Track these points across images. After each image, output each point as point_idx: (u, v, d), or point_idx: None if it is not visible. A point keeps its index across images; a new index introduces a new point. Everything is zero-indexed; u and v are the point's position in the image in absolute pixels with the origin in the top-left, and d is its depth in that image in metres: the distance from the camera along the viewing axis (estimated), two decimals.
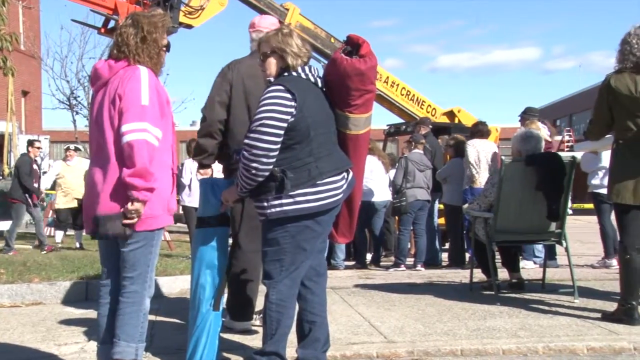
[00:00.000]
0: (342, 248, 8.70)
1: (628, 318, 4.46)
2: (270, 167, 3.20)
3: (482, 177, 7.65)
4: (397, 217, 9.29)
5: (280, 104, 3.20)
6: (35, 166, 10.67)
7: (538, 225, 5.58)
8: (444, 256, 9.21)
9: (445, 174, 8.70)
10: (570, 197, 5.83)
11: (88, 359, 3.88)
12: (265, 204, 3.28)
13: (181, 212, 9.47)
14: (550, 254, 7.62)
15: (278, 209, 3.25)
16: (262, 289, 3.54)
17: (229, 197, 3.51)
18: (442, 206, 9.21)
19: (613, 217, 7.57)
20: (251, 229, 4.15)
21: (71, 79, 20.43)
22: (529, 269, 7.49)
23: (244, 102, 4.28)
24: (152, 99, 3.15)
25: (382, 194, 8.94)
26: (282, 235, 3.29)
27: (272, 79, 3.41)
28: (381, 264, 9.10)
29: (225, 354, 3.85)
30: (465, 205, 6.54)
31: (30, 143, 10.98)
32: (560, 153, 6.44)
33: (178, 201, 8.67)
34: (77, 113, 20.44)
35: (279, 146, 3.20)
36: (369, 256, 9.33)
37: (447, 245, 9.53)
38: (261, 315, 3.72)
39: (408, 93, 12.45)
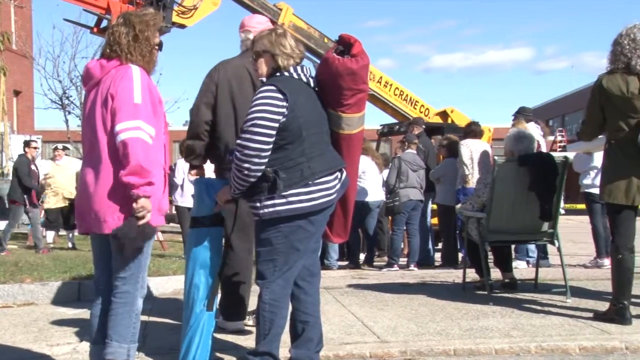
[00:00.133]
0: (335, 248, 8.70)
1: (620, 318, 4.48)
2: (263, 167, 3.20)
3: (475, 178, 7.67)
4: (390, 217, 9.30)
5: (271, 104, 3.20)
6: (33, 166, 10.63)
7: (530, 225, 5.60)
8: (437, 256, 9.23)
9: (439, 174, 8.71)
10: (562, 197, 5.85)
11: None
12: (258, 204, 3.28)
13: (174, 212, 9.45)
14: (543, 254, 7.65)
15: (271, 209, 3.25)
16: (255, 288, 3.53)
17: (222, 198, 3.51)
18: (435, 206, 9.23)
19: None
20: (242, 228, 4.16)
21: (63, 78, 20.38)
22: (521, 268, 7.51)
23: (229, 103, 4.29)
24: (144, 98, 3.15)
25: (375, 194, 8.96)
26: (275, 236, 3.28)
27: (264, 79, 3.41)
28: (374, 264, 9.11)
29: (218, 354, 3.85)
30: (459, 205, 6.55)
31: (27, 143, 10.93)
32: (552, 153, 6.45)
33: (171, 201, 8.66)
34: (69, 113, 20.39)
35: (270, 146, 3.20)
36: (362, 256, 9.34)
37: (440, 245, 9.55)
38: (254, 316, 3.72)
39: (401, 93, 12.47)
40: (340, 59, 3.33)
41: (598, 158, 7.29)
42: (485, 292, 5.58)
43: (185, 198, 9.01)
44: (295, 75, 3.36)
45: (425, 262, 8.72)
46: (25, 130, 23.19)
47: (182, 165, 8.81)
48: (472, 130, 8.28)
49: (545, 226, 5.62)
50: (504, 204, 5.48)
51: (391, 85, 12.37)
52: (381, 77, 12.26)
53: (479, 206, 5.77)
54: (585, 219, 8.52)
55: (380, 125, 12.78)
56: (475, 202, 5.84)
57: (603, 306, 4.85)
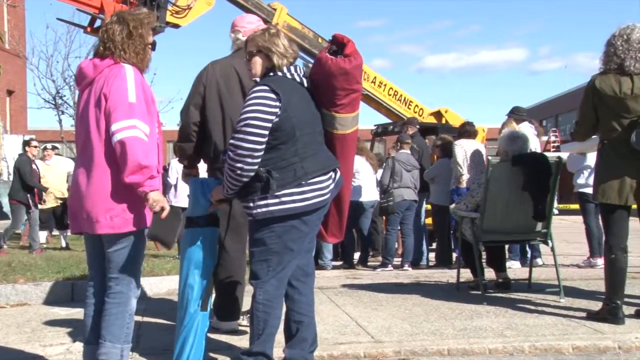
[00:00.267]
0: (329, 248, 8.70)
1: (613, 317, 4.50)
2: (255, 167, 3.20)
3: (466, 177, 7.70)
4: (384, 217, 9.30)
5: (264, 104, 3.19)
6: (34, 166, 10.59)
7: (524, 225, 5.61)
8: (431, 256, 9.24)
9: (433, 174, 8.72)
10: (556, 197, 5.87)
11: None
12: (252, 204, 3.28)
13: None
14: (537, 253, 7.68)
15: (264, 209, 3.25)
16: (249, 289, 3.53)
17: (215, 197, 3.50)
18: (429, 206, 9.24)
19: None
20: (235, 228, 4.16)
21: (57, 78, 20.27)
22: (515, 268, 7.52)
23: (217, 103, 4.30)
24: (139, 97, 3.16)
25: (369, 194, 8.96)
26: (269, 236, 3.28)
27: (257, 79, 3.40)
28: (369, 264, 9.11)
29: (212, 354, 3.84)
30: (453, 205, 6.56)
31: (27, 143, 10.88)
32: (546, 153, 6.47)
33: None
34: (62, 112, 20.28)
35: (263, 146, 3.20)
36: (356, 256, 9.34)
37: (434, 245, 9.56)
38: (248, 316, 3.72)
39: (395, 93, 12.47)
40: (333, 58, 3.33)
41: (591, 157, 7.33)
42: (479, 292, 5.59)
43: (179, 198, 9.00)
44: (288, 75, 3.36)
45: (417, 262, 8.73)
46: (19, 130, 23.12)
47: (176, 165, 8.80)
48: (467, 131, 8.29)
49: (539, 226, 5.63)
50: (497, 204, 5.49)
51: (385, 85, 12.37)
52: (375, 77, 12.25)
53: (473, 206, 5.79)
54: (579, 219, 8.55)
55: (375, 125, 12.78)
56: (469, 202, 5.85)
57: (596, 306, 4.87)
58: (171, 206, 3.27)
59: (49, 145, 11.97)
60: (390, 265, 8.56)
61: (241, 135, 3.17)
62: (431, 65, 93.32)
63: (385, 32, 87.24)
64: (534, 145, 7.32)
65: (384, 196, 8.70)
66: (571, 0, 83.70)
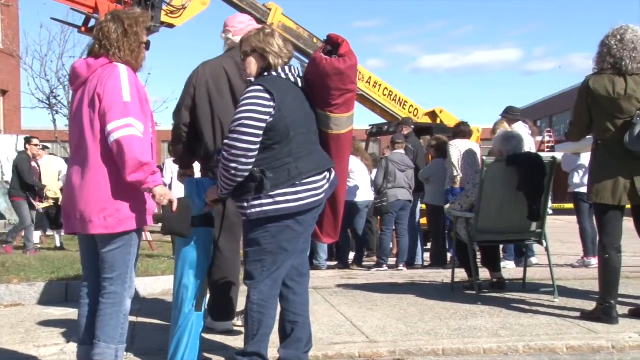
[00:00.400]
0: (324, 248, 8.70)
1: (606, 317, 4.51)
2: (250, 167, 3.20)
3: (459, 177, 7.72)
4: (379, 217, 9.31)
5: (259, 104, 3.19)
6: (34, 163, 10.54)
7: (519, 225, 5.63)
8: (426, 256, 9.25)
9: (428, 174, 8.73)
10: (550, 197, 5.89)
11: None
12: (246, 204, 3.27)
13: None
14: (531, 252, 7.70)
15: (258, 209, 3.24)
16: (244, 289, 3.53)
17: (209, 197, 3.50)
18: (424, 206, 9.25)
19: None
20: (228, 228, 4.16)
21: (51, 78, 20.18)
22: (509, 268, 7.54)
23: (207, 103, 4.32)
24: (133, 96, 3.15)
25: (363, 194, 8.96)
26: (263, 236, 3.28)
27: (252, 79, 3.40)
28: (363, 264, 9.12)
29: (206, 355, 3.84)
30: (447, 205, 6.57)
31: (28, 140, 10.84)
32: (540, 153, 6.49)
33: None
34: (57, 112, 20.21)
35: (258, 146, 3.19)
36: (351, 256, 9.34)
37: (429, 245, 9.57)
38: (243, 316, 3.71)
39: (390, 93, 12.49)
40: (327, 58, 3.33)
41: (585, 157, 7.35)
42: (474, 292, 5.60)
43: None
44: (283, 75, 3.36)
45: (411, 262, 8.74)
46: (12, 130, 23.00)
47: (170, 165, 8.79)
48: (462, 131, 8.31)
49: (534, 226, 5.65)
50: (492, 204, 5.50)
51: (380, 85, 12.38)
52: (370, 77, 12.27)
53: (468, 206, 5.79)
54: (573, 219, 8.58)
55: (370, 126, 12.79)
56: (464, 202, 5.86)
57: (590, 305, 4.88)
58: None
59: (39, 145, 11.92)
60: (385, 265, 8.57)
61: (235, 135, 3.17)
62: (426, 65, 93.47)
63: (380, 32, 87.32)
64: (529, 145, 7.35)
65: (377, 196, 8.71)
66: (565, 1, 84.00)
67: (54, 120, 20.41)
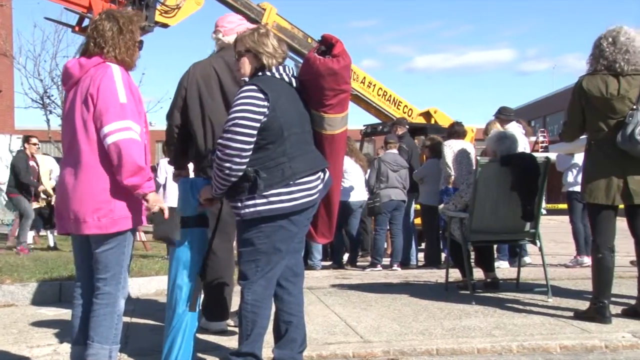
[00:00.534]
0: (319, 248, 8.70)
1: (600, 316, 4.53)
2: (244, 167, 3.20)
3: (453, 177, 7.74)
4: (373, 217, 9.32)
5: (253, 103, 3.19)
6: (32, 162, 10.49)
7: (513, 225, 5.64)
8: (420, 256, 9.26)
9: (422, 175, 8.74)
10: (544, 198, 5.90)
11: None
12: (240, 204, 3.27)
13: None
14: (524, 252, 7.73)
15: (252, 209, 3.24)
16: (238, 289, 3.52)
17: (203, 196, 3.50)
18: (418, 206, 9.26)
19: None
20: (221, 227, 4.15)
21: (44, 77, 20.07)
22: (503, 268, 7.56)
23: (198, 103, 4.33)
24: (128, 97, 3.15)
25: (357, 194, 8.95)
26: (257, 236, 3.28)
27: (246, 79, 3.40)
28: (358, 264, 9.12)
29: (200, 355, 3.83)
30: (441, 206, 6.58)
31: (26, 139, 10.80)
32: (534, 153, 6.51)
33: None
34: (50, 112, 20.12)
35: (252, 146, 3.19)
36: (345, 256, 9.34)
37: (423, 245, 9.58)
38: (237, 316, 3.71)
39: (385, 93, 12.49)
40: (321, 59, 3.33)
41: (579, 156, 7.38)
42: (468, 292, 5.61)
43: (168, 198, 8.96)
44: (277, 75, 3.36)
45: (405, 262, 8.74)
46: (6, 129, 22.91)
47: (165, 165, 8.76)
48: (456, 131, 8.32)
49: (527, 226, 5.66)
50: (486, 204, 5.51)
51: (374, 85, 12.38)
52: (364, 78, 12.27)
53: (462, 206, 5.80)
54: (567, 219, 8.60)
55: (364, 126, 12.80)
56: (458, 202, 5.87)
57: (583, 305, 4.90)
58: (169, 207, 3.30)
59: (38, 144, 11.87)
60: (379, 265, 8.57)
61: (229, 135, 3.17)
62: (420, 65, 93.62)
63: (374, 32, 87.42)
64: (523, 145, 7.36)
65: (370, 197, 8.71)
66: (559, 2, 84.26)
67: (48, 120, 20.34)
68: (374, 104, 12.42)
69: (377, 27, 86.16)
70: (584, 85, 4.57)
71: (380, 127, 12.02)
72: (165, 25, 10.34)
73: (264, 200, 3.23)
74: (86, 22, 9.74)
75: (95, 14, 8.83)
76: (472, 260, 6.00)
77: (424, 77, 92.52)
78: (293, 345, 3.46)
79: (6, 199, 10.72)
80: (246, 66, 3.40)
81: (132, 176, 3.06)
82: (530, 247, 7.60)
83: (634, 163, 4.46)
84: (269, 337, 3.48)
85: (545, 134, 31.62)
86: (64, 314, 5.02)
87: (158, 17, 10.03)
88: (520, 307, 5.17)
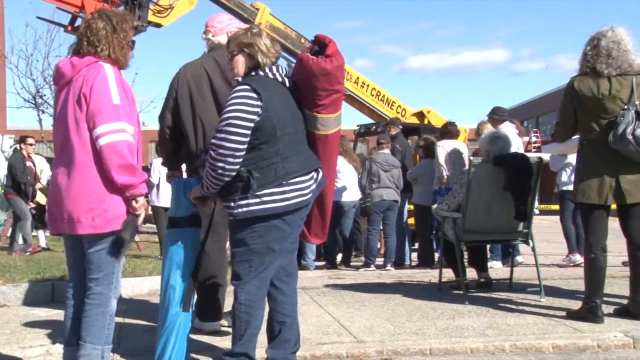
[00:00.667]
0: (312, 248, 8.70)
1: (592, 316, 4.54)
2: (237, 167, 3.19)
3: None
4: (366, 218, 9.32)
5: (246, 103, 3.19)
6: (29, 163, 10.45)
7: (506, 225, 5.65)
8: (414, 256, 9.27)
9: (415, 175, 8.75)
10: (537, 198, 5.92)
11: None
12: (232, 204, 3.27)
13: (150, 212, 9.36)
14: (517, 251, 7.75)
15: (245, 209, 3.24)
16: (232, 289, 3.52)
17: (193, 194, 3.49)
18: (412, 206, 9.27)
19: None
20: (213, 227, 4.15)
21: (37, 77, 20.00)
22: (496, 268, 7.58)
23: (188, 104, 4.32)
24: (121, 97, 3.14)
25: (350, 195, 8.95)
26: (251, 236, 3.27)
27: (239, 78, 3.39)
28: (351, 264, 9.12)
29: (194, 355, 3.82)
30: (435, 206, 6.59)
31: (23, 140, 10.75)
32: (527, 154, 6.53)
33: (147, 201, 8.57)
34: (43, 112, 20.06)
35: (245, 146, 3.19)
36: (339, 256, 9.34)
37: (416, 245, 9.59)
38: (230, 316, 3.70)
39: (378, 93, 12.50)
40: (314, 59, 3.32)
41: (572, 155, 7.40)
42: (461, 292, 5.62)
43: (162, 198, 8.96)
44: (270, 75, 3.36)
45: (399, 262, 8.75)
46: None
47: (158, 165, 8.75)
48: (449, 131, 8.34)
49: (520, 226, 5.68)
50: (479, 204, 5.52)
51: (368, 85, 12.39)
52: (358, 78, 12.27)
53: (455, 206, 5.81)
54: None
55: (357, 126, 12.80)
56: (451, 202, 5.88)
57: (576, 305, 4.91)
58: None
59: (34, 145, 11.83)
60: (372, 265, 8.58)
61: (223, 135, 3.16)
62: (414, 65, 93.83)
63: (368, 32, 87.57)
64: (517, 145, 7.38)
65: (362, 197, 8.72)
66: (552, 2, 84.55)
67: (40, 120, 20.27)
68: (368, 104, 12.42)
69: (370, 27, 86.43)
70: (576, 86, 4.59)
71: (374, 127, 12.03)
72: (158, 25, 10.31)
73: (257, 200, 3.22)
74: (79, 21, 9.69)
75: (88, 13, 8.80)
76: (465, 260, 6.02)
77: (417, 77, 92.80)
78: (286, 346, 3.46)
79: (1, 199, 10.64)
80: (239, 66, 3.40)
81: (127, 176, 3.06)
82: (523, 247, 7.62)
83: (626, 163, 4.48)
84: (262, 337, 3.48)
85: (537, 134, 31.77)
86: (57, 314, 5.00)
87: (151, 17, 10.00)
88: (513, 306, 5.19)
